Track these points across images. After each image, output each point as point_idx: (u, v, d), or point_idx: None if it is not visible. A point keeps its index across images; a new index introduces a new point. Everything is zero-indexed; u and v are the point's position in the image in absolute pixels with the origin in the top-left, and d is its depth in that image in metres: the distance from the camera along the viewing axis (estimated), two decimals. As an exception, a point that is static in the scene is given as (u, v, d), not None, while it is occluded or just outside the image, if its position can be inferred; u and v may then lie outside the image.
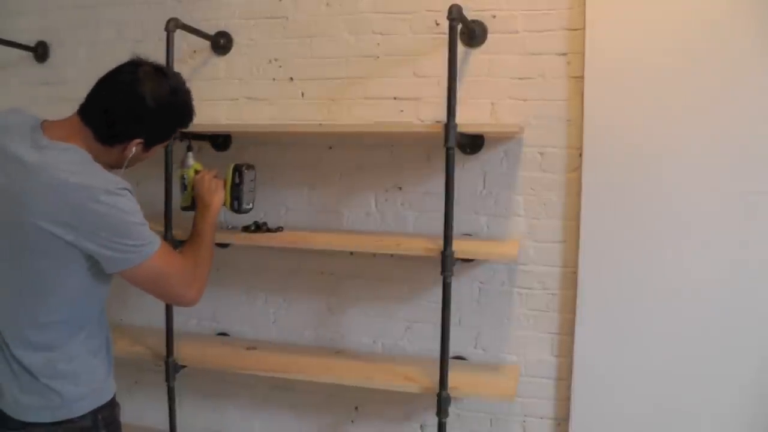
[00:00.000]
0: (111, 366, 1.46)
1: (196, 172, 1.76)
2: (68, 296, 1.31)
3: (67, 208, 1.22)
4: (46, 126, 1.31)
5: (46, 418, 1.32)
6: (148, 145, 1.38)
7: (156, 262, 1.32)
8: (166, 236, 1.94)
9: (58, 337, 1.32)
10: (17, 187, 1.23)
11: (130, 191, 1.31)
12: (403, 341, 2.14)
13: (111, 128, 1.31)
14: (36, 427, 1.31)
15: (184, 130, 1.51)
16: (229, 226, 2.11)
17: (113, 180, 1.28)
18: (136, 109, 1.31)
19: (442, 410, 1.73)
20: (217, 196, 1.67)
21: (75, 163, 1.26)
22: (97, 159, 1.31)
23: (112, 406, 1.44)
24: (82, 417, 1.35)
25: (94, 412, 1.37)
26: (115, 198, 1.26)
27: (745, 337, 1.80)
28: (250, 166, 1.82)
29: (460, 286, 2.02)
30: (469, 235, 2.03)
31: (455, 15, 1.64)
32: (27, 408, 1.31)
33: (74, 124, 1.31)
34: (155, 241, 1.33)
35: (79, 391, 1.35)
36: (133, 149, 1.34)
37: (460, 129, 1.67)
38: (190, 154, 1.85)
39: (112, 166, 1.36)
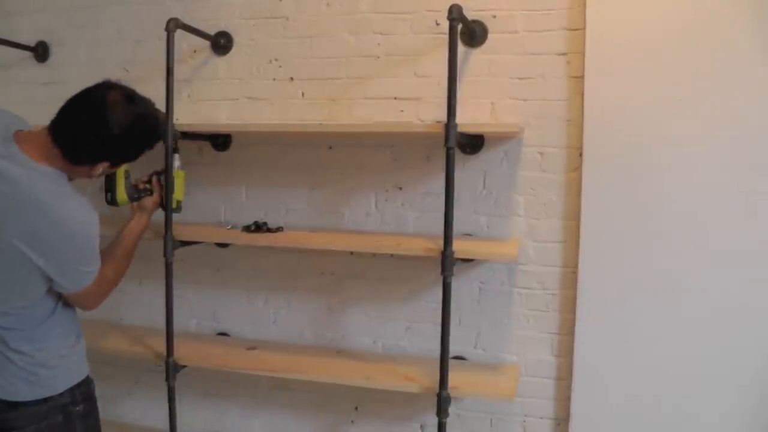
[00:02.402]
0: (83, 350, 1.56)
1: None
2: (27, 300, 1.40)
3: (42, 235, 1.31)
4: (19, 138, 1.35)
5: (31, 396, 1.42)
6: (114, 166, 1.46)
7: (95, 285, 1.46)
8: (166, 236, 1.94)
9: (28, 327, 1.41)
10: None
11: (92, 211, 1.40)
12: (403, 341, 2.14)
13: (78, 152, 1.36)
14: (21, 406, 1.41)
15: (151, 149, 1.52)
16: (229, 226, 2.11)
17: (86, 208, 1.38)
18: (102, 136, 1.35)
19: (442, 410, 1.73)
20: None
21: (53, 191, 1.34)
22: (66, 172, 1.39)
23: (87, 382, 1.54)
24: (61, 394, 1.45)
25: (72, 390, 1.48)
26: (89, 228, 1.38)
27: (745, 336, 1.80)
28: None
29: (460, 286, 2.02)
30: (469, 235, 2.03)
31: (455, 15, 1.63)
32: (15, 390, 1.41)
33: (45, 143, 1.34)
34: (99, 263, 1.45)
35: (56, 372, 1.45)
36: (101, 169, 1.42)
37: (460, 129, 1.67)
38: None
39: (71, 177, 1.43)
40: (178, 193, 1.89)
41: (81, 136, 1.34)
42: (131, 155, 1.46)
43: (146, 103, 1.44)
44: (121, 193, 1.72)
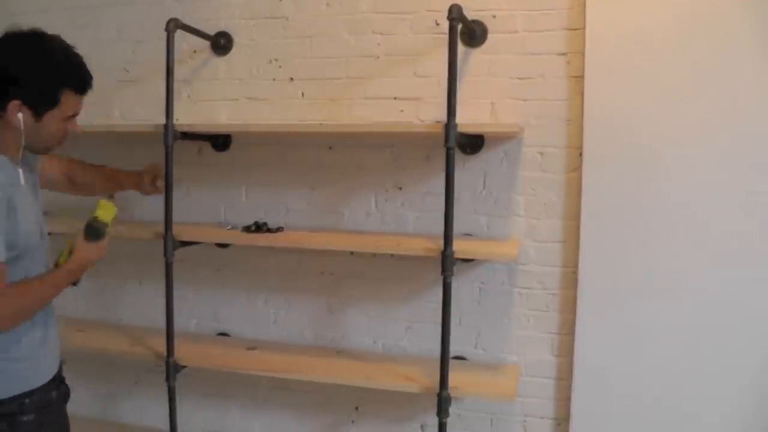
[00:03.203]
0: (44, 357, 1.44)
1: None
2: None
3: None
4: None
5: None
6: (34, 108, 1.34)
7: None
8: (166, 236, 1.94)
9: None
10: None
11: None
12: (404, 341, 2.14)
13: None
14: None
15: (72, 89, 1.40)
16: (229, 227, 2.11)
17: None
18: (1, 67, 1.32)
19: (442, 410, 1.73)
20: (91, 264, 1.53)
21: None
22: (3, 141, 1.34)
23: (43, 391, 1.42)
24: (8, 401, 1.36)
25: (20, 397, 1.37)
26: None
27: (744, 336, 1.80)
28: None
29: (460, 286, 2.02)
30: (469, 235, 2.03)
31: (455, 15, 1.63)
32: None
33: None
34: None
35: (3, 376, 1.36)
36: (19, 116, 1.32)
37: (460, 129, 1.67)
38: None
39: (14, 152, 1.37)
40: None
41: None
42: (43, 88, 1.35)
43: (55, 38, 1.40)
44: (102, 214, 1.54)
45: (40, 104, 1.35)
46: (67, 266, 1.47)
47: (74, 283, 1.54)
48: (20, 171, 1.41)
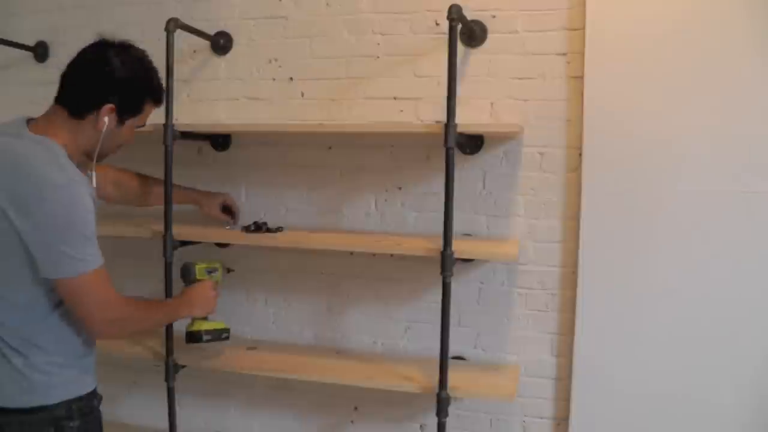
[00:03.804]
0: (91, 363, 1.49)
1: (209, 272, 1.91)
2: (12, 282, 1.34)
3: (20, 191, 1.29)
4: (31, 123, 1.40)
5: (22, 403, 1.35)
6: (120, 114, 1.42)
7: (91, 287, 1.35)
8: (166, 236, 1.94)
9: (27, 323, 1.36)
10: None
11: (86, 190, 1.35)
12: (403, 341, 2.14)
13: (80, 95, 1.39)
14: (12, 413, 1.35)
15: (153, 100, 1.51)
16: (229, 227, 2.11)
17: (72, 178, 1.33)
18: (102, 72, 1.39)
19: (442, 410, 1.73)
20: (203, 308, 1.81)
21: (40, 154, 1.32)
22: (74, 144, 1.39)
23: (89, 398, 1.46)
24: (56, 406, 1.37)
25: (69, 402, 1.40)
26: (70, 196, 1.31)
27: (744, 337, 1.80)
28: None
29: (460, 286, 2.02)
30: (469, 235, 2.03)
31: (455, 15, 1.63)
32: (6, 393, 1.36)
33: (52, 111, 1.41)
34: (93, 261, 1.35)
35: (52, 380, 1.37)
36: (106, 119, 1.39)
37: (460, 129, 1.67)
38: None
39: (89, 151, 1.43)
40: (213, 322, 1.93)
41: (82, 78, 1.40)
42: (135, 97, 1.45)
43: (143, 52, 1.49)
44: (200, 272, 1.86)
45: (128, 111, 1.44)
46: (185, 302, 1.76)
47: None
48: (93, 176, 1.46)
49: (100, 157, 1.48)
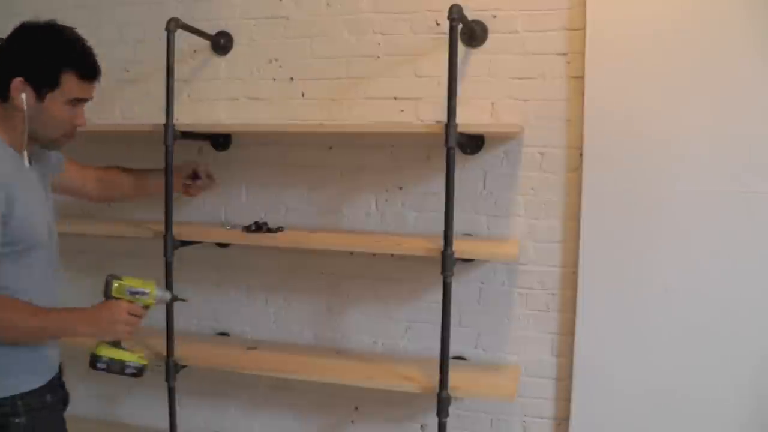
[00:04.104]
0: (41, 356, 1.43)
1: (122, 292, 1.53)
2: None
3: None
4: None
5: None
6: (36, 88, 1.37)
7: None
8: (166, 236, 1.94)
9: None
10: None
11: None
12: (404, 341, 2.14)
13: None
14: None
15: (74, 72, 1.41)
16: (229, 227, 2.11)
17: None
18: (7, 47, 1.39)
19: (442, 410, 1.73)
20: (105, 332, 1.50)
21: None
22: (5, 129, 1.37)
23: (39, 393, 1.42)
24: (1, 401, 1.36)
25: (13, 398, 1.37)
26: None
27: (744, 337, 1.80)
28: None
29: (460, 286, 2.02)
30: (470, 235, 2.03)
31: (455, 15, 1.64)
32: None
33: None
34: None
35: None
36: (23, 96, 1.35)
37: (460, 129, 1.67)
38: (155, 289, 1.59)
39: (30, 134, 1.38)
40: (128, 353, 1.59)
41: None
42: (42, 69, 1.38)
43: (62, 26, 1.46)
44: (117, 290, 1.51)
45: (42, 84, 1.37)
46: (86, 319, 1.46)
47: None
48: (25, 154, 1.41)
49: (48, 142, 1.46)
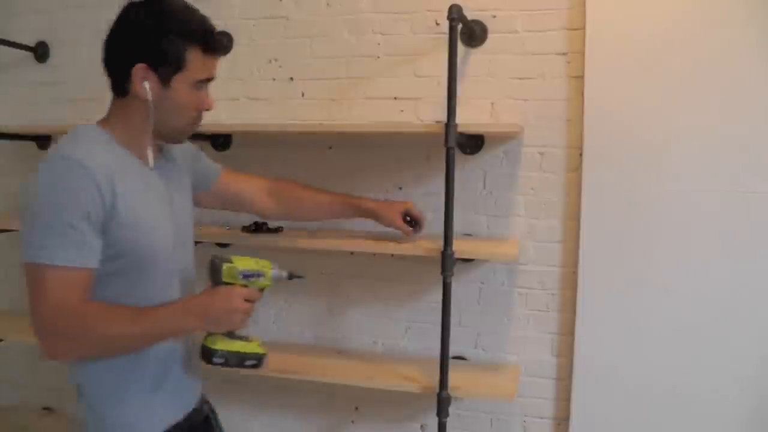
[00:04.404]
0: (159, 405, 1.25)
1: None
2: None
3: None
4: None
5: None
6: (159, 73, 1.18)
7: (31, 274, 1.08)
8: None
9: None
10: None
11: (82, 166, 1.09)
12: (404, 341, 2.14)
13: (110, 67, 1.22)
14: None
15: (199, 46, 1.22)
16: (229, 227, 2.11)
17: (72, 148, 1.12)
18: (120, 31, 1.21)
19: (442, 410, 1.73)
20: (218, 323, 1.24)
21: (66, 137, 1.18)
22: (127, 127, 1.21)
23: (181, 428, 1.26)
24: None
25: None
26: (51, 167, 1.10)
27: (744, 337, 1.80)
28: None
29: (460, 286, 2.02)
30: (470, 235, 2.03)
31: (455, 15, 1.64)
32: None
33: (111, 102, 1.25)
34: (49, 255, 1.07)
35: (104, 423, 1.20)
36: (146, 84, 1.17)
37: (460, 129, 1.67)
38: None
39: (154, 129, 1.22)
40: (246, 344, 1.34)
41: (106, 50, 1.23)
42: (165, 48, 1.18)
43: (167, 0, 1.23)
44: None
45: (167, 66, 1.19)
46: (194, 309, 1.20)
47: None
48: (150, 153, 1.23)
49: (174, 133, 1.29)
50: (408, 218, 1.79)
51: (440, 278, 1.70)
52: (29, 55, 2.45)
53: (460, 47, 1.94)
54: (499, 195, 2.01)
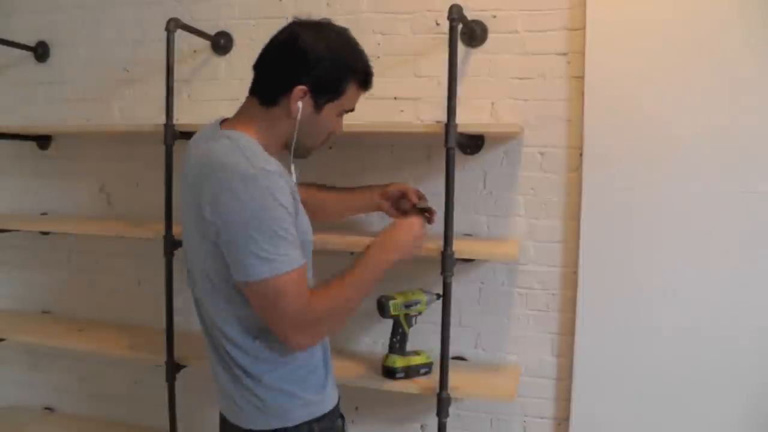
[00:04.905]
0: (325, 378, 1.37)
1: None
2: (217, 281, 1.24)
3: (208, 190, 1.16)
4: (225, 121, 1.32)
5: (262, 425, 1.29)
6: (316, 97, 1.26)
7: (269, 287, 1.16)
8: (167, 236, 1.94)
9: (243, 335, 1.27)
10: (188, 180, 1.25)
11: (284, 182, 1.16)
12: (404, 341, 2.14)
13: (269, 79, 1.26)
14: None
15: (356, 82, 1.31)
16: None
17: (261, 166, 1.15)
18: (291, 50, 1.24)
19: (442, 411, 1.73)
20: (408, 249, 1.42)
21: (224, 144, 1.20)
22: (268, 135, 1.27)
23: (331, 417, 1.37)
24: (296, 428, 1.29)
25: (309, 423, 1.30)
26: (256, 184, 1.13)
27: (745, 337, 1.80)
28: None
29: (460, 286, 2.02)
30: (470, 235, 2.03)
31: (455, 15, 1.63)
32: (245, 416, 1.30)
33: (245, 103, 1.31)
34: (286, 262, 1.16)
35: (287, 400, 1.28)
36: (299, 104, 1.24)
37: (460, 129, 1.67)
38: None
39: (288, 143, 1.30)
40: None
41: (270, 62, 1.27)
42: (332, 76, 1.26)
43: (343, 28, 1.32)
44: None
45: (326, 94, 1.27)
46: (385, 246, 1.37)
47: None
48: (293, 167, 1.31)
49: (304, 151, 1.37)
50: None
51: (440, 278, 1.70)
52: (29, 54, 2.46)
53: (461, 47, 1.94)
54: (499, 195, 2.01)
